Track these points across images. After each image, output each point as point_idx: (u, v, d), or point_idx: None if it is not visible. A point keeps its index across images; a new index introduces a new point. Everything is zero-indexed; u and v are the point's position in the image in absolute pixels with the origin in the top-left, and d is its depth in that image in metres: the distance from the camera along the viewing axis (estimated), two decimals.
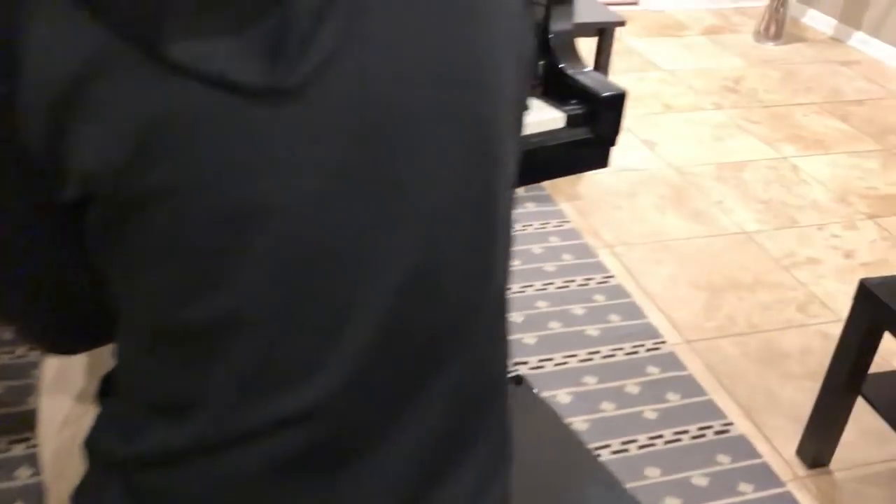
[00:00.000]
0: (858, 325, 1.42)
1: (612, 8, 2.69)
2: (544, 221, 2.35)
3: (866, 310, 1.40)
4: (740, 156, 2.79)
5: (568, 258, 2.19)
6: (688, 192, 2.55)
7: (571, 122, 1.34)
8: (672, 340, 1.91)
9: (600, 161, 1.40)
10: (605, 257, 2.21)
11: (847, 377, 1.46)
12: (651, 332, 1.93)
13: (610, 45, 2.50)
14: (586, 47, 2.82)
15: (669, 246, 2.29)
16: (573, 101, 1.36)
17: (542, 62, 1.40)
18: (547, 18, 1.37)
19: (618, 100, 1.34)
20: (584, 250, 2.23)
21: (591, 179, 2.60)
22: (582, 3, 2.67)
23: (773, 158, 2.79)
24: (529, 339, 1.89)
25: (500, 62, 0.55)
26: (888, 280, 1.40)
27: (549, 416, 1.02)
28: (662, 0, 4.15)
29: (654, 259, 2.23)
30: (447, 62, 0.52)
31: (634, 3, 4.13)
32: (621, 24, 2.49)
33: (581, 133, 1.35)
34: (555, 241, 2.26)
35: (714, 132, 2.94)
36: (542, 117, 1.32)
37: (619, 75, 3.26)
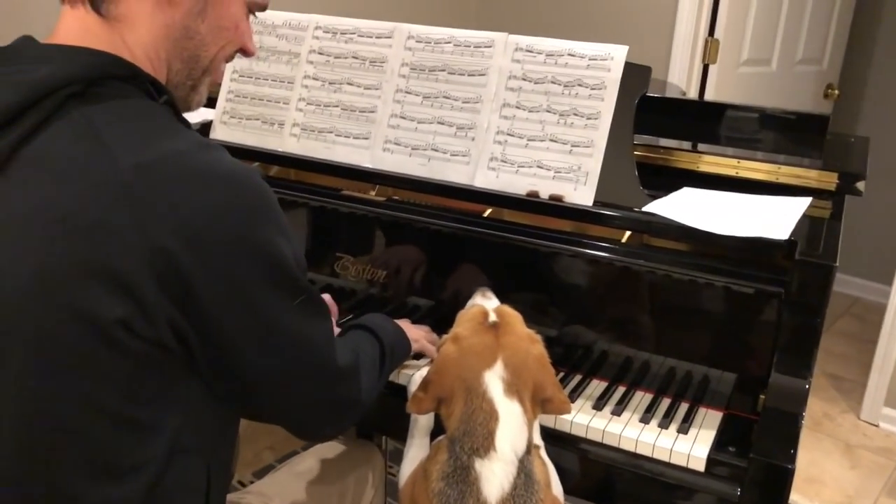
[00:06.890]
0: None
1: None
2: None
3: None
4: None
5: None
6: None
7: (717, 472, 0.97)
8: None
9: None
10: None
11: None
12: None
13: None
14: None
15: None
16: (731, 448, 0.98)
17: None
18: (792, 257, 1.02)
19: (781, 475, 0.92)
20: None
21: None
22: None
23: None
24: None
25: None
26: None
27: None
28: None
29: None
30: None
31: None
32: None
33: (725, 492, 0.96)
34: None
35: None
36: (665, 443, 0.97)
37: None
